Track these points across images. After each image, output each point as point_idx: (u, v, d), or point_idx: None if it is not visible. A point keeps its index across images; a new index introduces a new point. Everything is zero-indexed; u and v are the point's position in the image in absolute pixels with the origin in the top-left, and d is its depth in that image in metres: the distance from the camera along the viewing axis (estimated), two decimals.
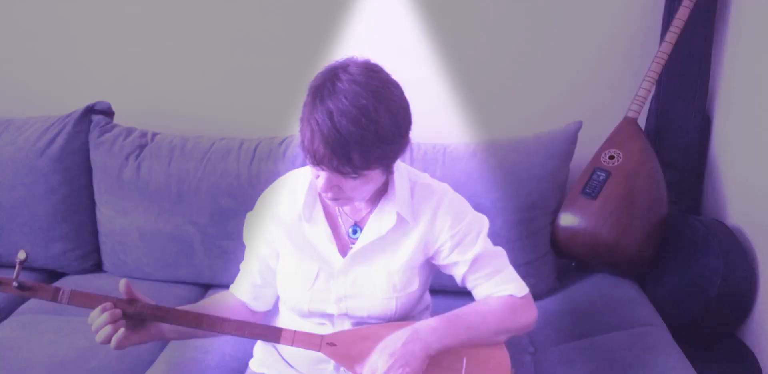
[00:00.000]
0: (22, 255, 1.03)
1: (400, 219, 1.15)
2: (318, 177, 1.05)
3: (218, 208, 1.72)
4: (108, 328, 1.03)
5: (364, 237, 1.16)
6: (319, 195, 1.18)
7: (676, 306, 1.62)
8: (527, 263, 1.66)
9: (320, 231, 1.17)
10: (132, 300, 1.07)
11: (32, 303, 1.73)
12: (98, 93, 1.94)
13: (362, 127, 0.96)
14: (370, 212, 1.17)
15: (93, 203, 1.84)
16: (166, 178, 1.74)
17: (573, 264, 1.85)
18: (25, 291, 1.04)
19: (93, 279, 1.85)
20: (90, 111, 1.85)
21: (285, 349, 1.25)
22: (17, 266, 1.03)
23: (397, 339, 1.08)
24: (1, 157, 1.81)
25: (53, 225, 1.82)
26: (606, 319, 1.56)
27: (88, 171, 1.83)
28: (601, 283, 1.73)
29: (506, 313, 1.15)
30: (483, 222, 1.20)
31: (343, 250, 1.18)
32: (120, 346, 1.03)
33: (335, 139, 0.96)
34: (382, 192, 1.16)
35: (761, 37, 1.60)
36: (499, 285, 1.18)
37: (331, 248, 1.17)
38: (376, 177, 1.07)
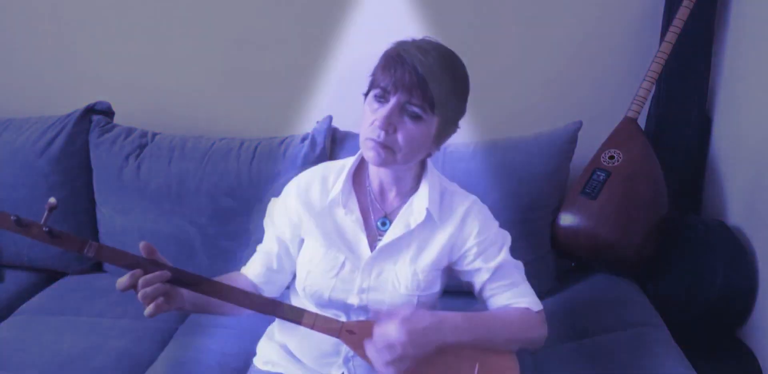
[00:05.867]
0: (52, 200, 1.02)
1: (429, 217, 1.18)
2: (375, 115, 1.09)
3: (218, 208, 1.72)
4: (159, 288, 1.01)
5: (393, 231, 1.18)
6: (354, 185, 1.21)
7: (676, 306, 1.62)
8: (527, 263, 1.62)
9: (353, 218, 1.19)
10: (155, 262, 1.04)
11: (32, 303, 1.73)
12: (98, 93, 1.93)
13: (446, 63, 1.09)
14: (400, 206, 1.20)
15: (93, 203, 1.84)
16: (166, 178, 1.74)
17: (573, 264, 1.84)
18: (53, 238, 1.03)
19: (93, 279, 1.85)
20: (90, 111, 1.85)
21: (293, 343, 1.26)
22: (46, 212, 1.02)
23: (421, 319, 1.07)
24: (1, 156, 1.81)
25: (53, 226, 1.81)
26: (606, 319, 1.56)
27: (88, 171, 1.82)
28: (601, 283, 1.73)
29: (523, 323, 1.18)
30: (507, 236, 1.25)
31: (371, 242, 1.20)
32: (159, 310, 1.01)
33: (424, 68, 1.06)
34: (414, 189, 1.20)
35: (761, 37, 1.60)
36: (516, 298, 1.21)
37: (361, 237, 1.19)
38: (427, 132, 1.11)
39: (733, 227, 1.65)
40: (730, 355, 1.56)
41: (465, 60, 1.14)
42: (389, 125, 1.08)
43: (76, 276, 1.87)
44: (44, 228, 1.02)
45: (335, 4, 1.84)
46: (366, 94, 1.14)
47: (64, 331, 1.57)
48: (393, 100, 1.08)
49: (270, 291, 1.26)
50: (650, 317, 1.56)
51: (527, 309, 1.20)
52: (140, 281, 1.01)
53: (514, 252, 1.26)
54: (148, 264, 1.04)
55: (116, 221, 1.80)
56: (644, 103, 1.77)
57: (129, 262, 1.04)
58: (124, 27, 1.98)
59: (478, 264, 1.20)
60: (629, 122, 1.77)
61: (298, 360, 1.26)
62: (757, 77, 1.61)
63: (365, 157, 1.14)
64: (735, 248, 1.57)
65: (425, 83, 1.06)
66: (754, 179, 1.60)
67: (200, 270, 1.75)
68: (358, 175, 1.23)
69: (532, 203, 1.66)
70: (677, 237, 1.68)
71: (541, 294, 1.67)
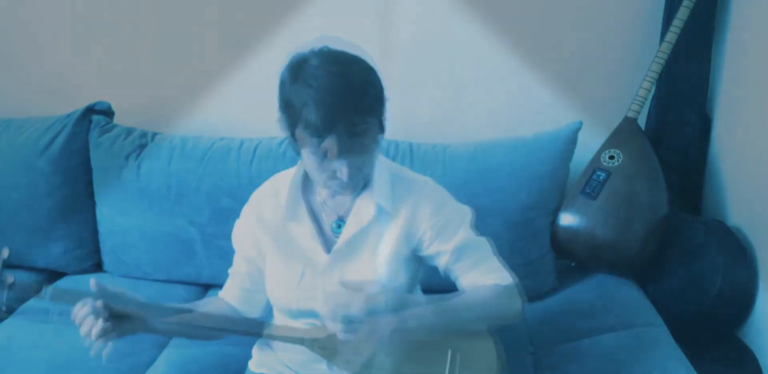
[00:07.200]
0: (10, 278, 1.06)
1: (380, 210, 1.16)
2: (328, 165, 1.06)
3: (218, 208, 1.72)
4: (90, 319, 1.04)
5: (348, 231, 1.17)
6: (302, 192, 1.20)
7: (676, 306, 1.62)
8: (527, 263, 1.65)
9: (304, 229, 1.18)
10: (111, 296, 1.07)
11: (32, 303, 1.73)
12: (98, 93, 1.93)
13: (347, 73, 1.03)
14: (353, 205, 1.19)
15: (93, 203, 1.84)
16: (166, 178, 1.74)
17: (573, 264, 1.85)
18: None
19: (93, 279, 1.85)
20: (90, 111, 1.85)
21: (280, 349, 1.25)
22: (6, 290, 1.06)
23: (384, 326, 1.05)
24: (1, 157, 1.81)
25: (53, 225, 1.82)
26: (606, 319, 1.56)
27: (88, 171, 1.82)
28: (601, 283, 1.73)
29: (491, 301, 1.15)
30: (465, 212, 1.21)
31: (328, 247, 1.19)
32: (104, 337, 1.05)
33: (337, 86, 1.00)
34: (363, 185, 1.18)
35: (761, 37, 1.60)
36: (483, 275, 1.18)
37: (315, 246, 1.18)
38: (376, 135, 1.08)
39: (733, 227, 1.65)
40: (730, 355, 1.56)
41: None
42: (354, 170, 1.06)
43: (76, 276, 1.87)
44: (2, 308, 1.08)
45: (333, 5, 1.84)
46: (292, 137, 1.08)
47: (64, 332, 1.56)
48: (345, 160, 1.04)
49: (251, 313, 1.25)
50: (650, 317, 1.56)
51: (495, 285, 1.16)
52: (71, 316, 1.05)
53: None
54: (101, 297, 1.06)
55: (116, 221, 1.80)
56: (644, 103, 1.77)
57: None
58: (124, 27, 1.98)
59: (436, 247, 1.17)
60: (629, 122, 1.77)
61: (288, 366, 1.26)
62: (757, 77, 1.61)
63: (334, 193, 1.15)
64: (735, 248, 1.57)
65: (355, 109, 1.01)
66: (754, 179, 1.60)
67: (200, 270, 1.79)
68: (307, 180, 1.21)
69: (531, 203, 1.66)
70: (677, 237, 1.68)
71: (541, 294, 1.69)
